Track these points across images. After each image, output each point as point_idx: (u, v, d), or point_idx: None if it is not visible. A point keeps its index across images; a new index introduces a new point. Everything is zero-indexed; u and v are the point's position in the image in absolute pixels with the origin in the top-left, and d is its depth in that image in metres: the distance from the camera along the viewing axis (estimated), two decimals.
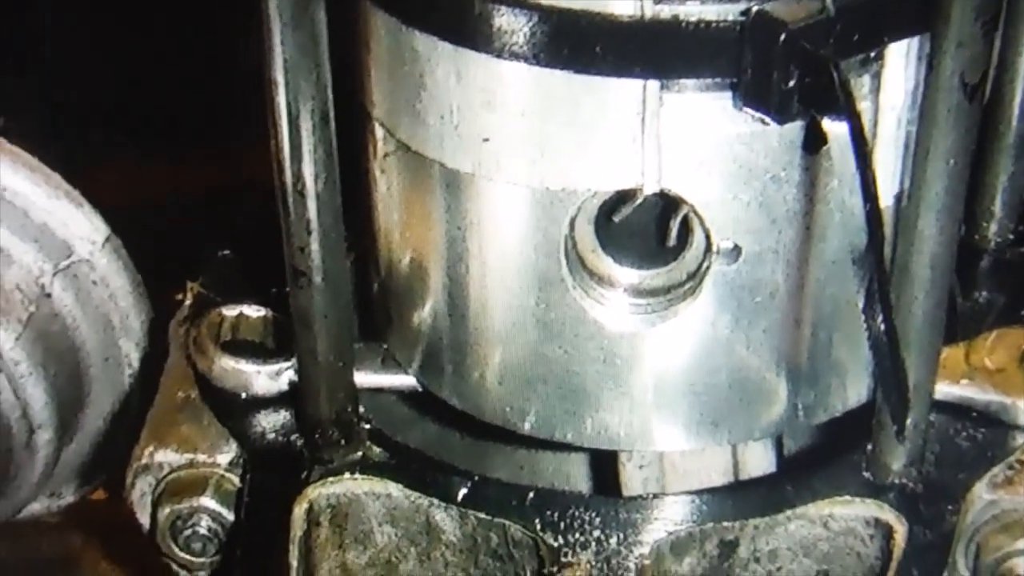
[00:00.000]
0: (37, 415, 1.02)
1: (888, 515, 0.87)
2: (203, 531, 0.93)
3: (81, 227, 1.02)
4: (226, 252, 1.01)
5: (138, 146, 1.55)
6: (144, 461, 0.93)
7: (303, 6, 0.76)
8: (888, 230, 0.80)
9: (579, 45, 0.75)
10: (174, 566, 0.96)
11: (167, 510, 0.93)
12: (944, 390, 0.90)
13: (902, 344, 0.80)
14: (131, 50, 1.58)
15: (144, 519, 0.95)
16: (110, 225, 1.03)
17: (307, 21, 0.77)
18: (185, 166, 1.54)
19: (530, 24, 0.75)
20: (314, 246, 0.83)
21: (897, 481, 0.88)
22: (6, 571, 1.09)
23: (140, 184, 1.46)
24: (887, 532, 0.87)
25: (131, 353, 1.08)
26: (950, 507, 0.88)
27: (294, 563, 0.88)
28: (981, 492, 0.89)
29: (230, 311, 0.98)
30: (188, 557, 0.94)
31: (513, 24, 0.75)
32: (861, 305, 0.83)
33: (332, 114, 0.80)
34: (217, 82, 1.42)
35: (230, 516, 0.93)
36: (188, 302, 0.99)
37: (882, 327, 0.78)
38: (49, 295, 1.01)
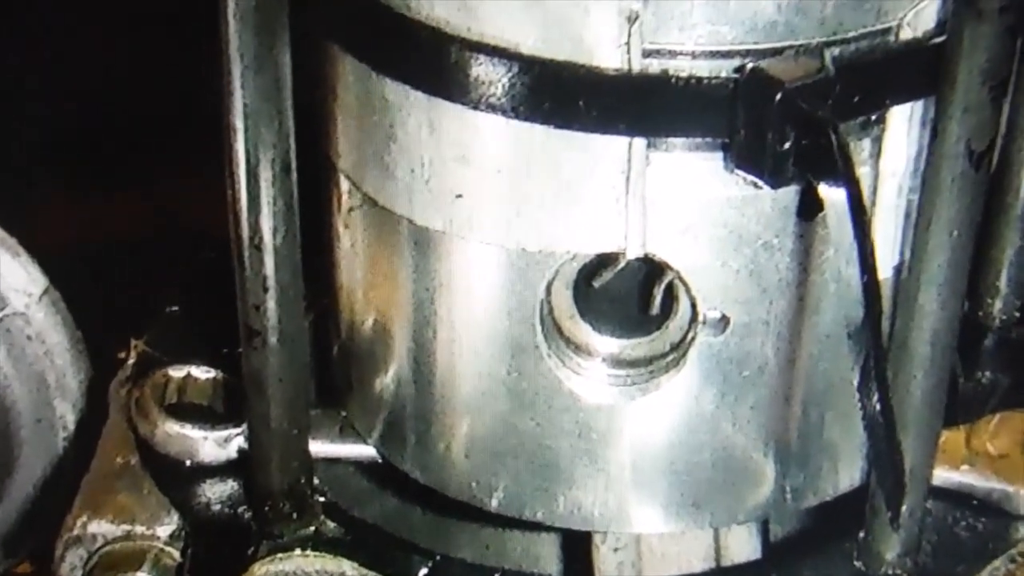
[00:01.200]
0: None
1: None
2: None
3: (17, 278, 1.01)
4: (174, 308, 1.01)
5: (80, 186, 1.55)
6: (76, 532, 0.92)
7: (266, 48, 0.76)
8: (886, 303, 0.80)
9: (561, 99, 0.75)
10: None
11: None
12: (943, 476, 0.90)
13: (899, 426, 0.80)
14: (72, 87, 1.59)
15: None
16: (48, 275, 1.02)
17: (270, 65, 0.77)
18: (130, 207, 1.54)
19: (509, 75, 0.75)
20: (270, 304, 0.82)
21: (891, 572, 0.87)
22: None
23: (80, 227, 1.46)
24: None
25: (67, 415, 1.07)
26: None
27: None
28: None
29: (176, 372, 0.97)
30: None
31: (491, 74, 0.75)
32: (856, 383, 0.82)
33: (294, 164, 0.80)
34: (164, 117, 1.43)
35: None
36: (131, 361, 0.98)
37: (878, 407, 0.78)
38: None
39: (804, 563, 0.89)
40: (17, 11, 1.56)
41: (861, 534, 0.87)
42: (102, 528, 0.92)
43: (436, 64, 0.76)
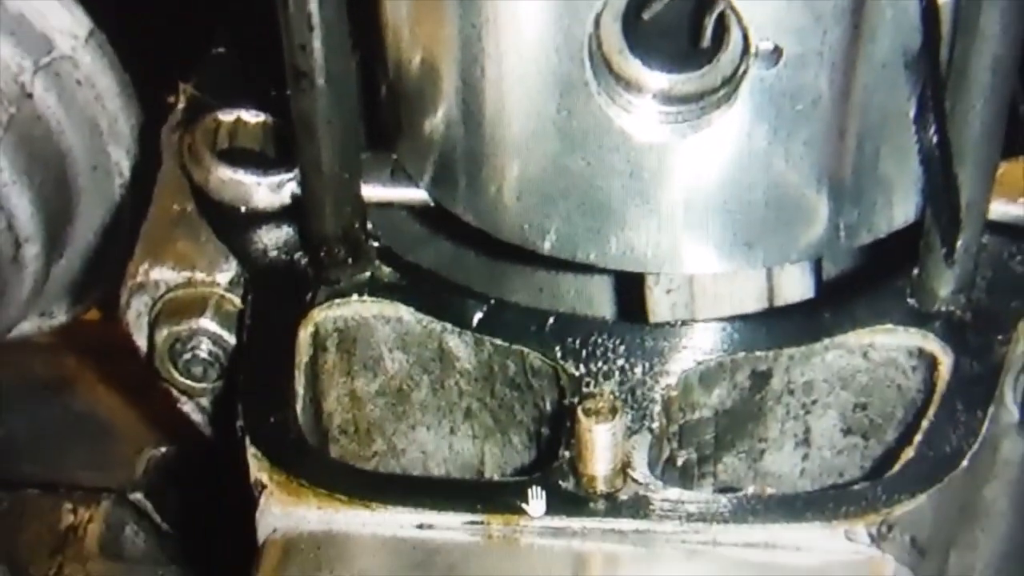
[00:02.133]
0: (23, 227, 1.02)
1: (933, 345, 0.87)
2: (203, 355, 0.94)
3: (61, 19, 0.99)
4: (221, 49, 0.99)
5: None
6: (139, 279, 0.93)
7: None
8: (945, 28, 0.78)
9: None
10: (174, 392, 0.96)
11: (165, 332, 0.93)
12: (1000, 209, 0.88)
13: (956, 157, 0.79)
14: None
15: (141, 341, 0.95)
16: (92, 17, 1.01)
17: None
18: None
19: None
20: (316, 43, 0.80)
21: (944, 309, 0.87)
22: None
23: None
24: (931, 363, 0.87)
25: (121, 161, 1.07)
26: (1000, 337, 0.88)
27: (300, 390, 0.88)
28: None
29: (226, 116, 0.96)
30: (188, 382, 0.95)
31: None
32: (912, 114, 0.81)
33: None
34: None
35: (231, 339, 0.94)
36: (181, 105, 0.97)
37: (935, 138, 0.77)
38: (30, 95, 0.99)
39: (857, 301, 0.88)
40: None
41: (915, 271, 0.86)
42: (164, 275, 0.93)
43: None
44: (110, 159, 1.06)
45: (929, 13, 0.74)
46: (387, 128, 0.93)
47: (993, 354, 0.87)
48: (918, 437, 0.85)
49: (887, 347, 0.88)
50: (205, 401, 0.97)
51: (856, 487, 0.84)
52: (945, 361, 0.87)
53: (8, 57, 0.97)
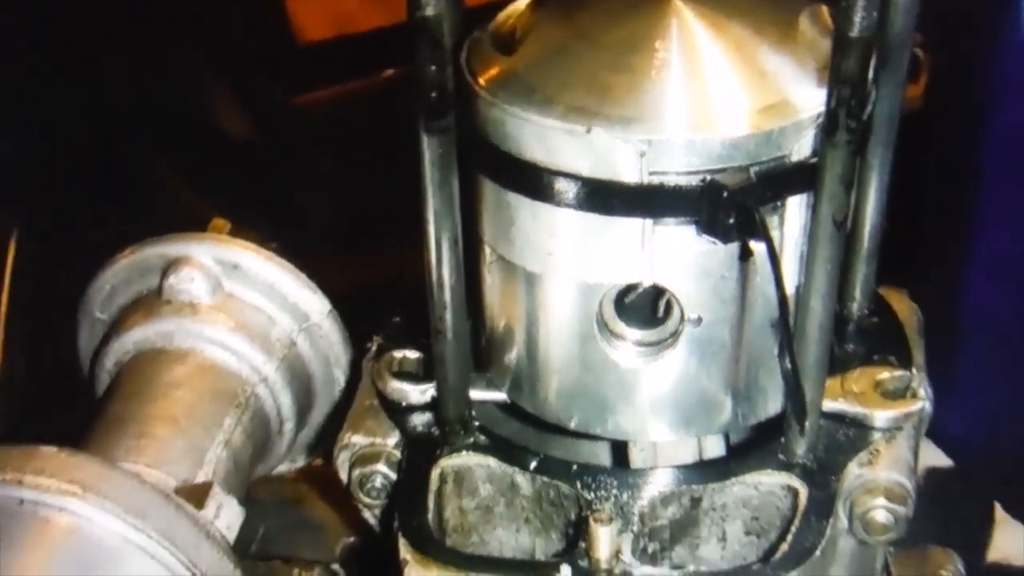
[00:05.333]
0: (285, 414, 1.06)
1: (795, 483, 0.88)
2: (378, 485, 0.95)
3: (315, 303, 1.06)
4: (397, 319, 1.03)
5: (341, 252, 1.56)
6: (344, 442, 0.96)
7: (445, 177, 0.81)
8: (792, 307, 0.83)
9: (604, 198, 0.79)
10: (360, 506, 0.98)
11: (357, 472, 0.95)
12: (828, 405, 0.91)
13: (801, 376, 0.82)
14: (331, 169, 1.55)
15: (344, 477, 0.97)
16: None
17: (447, 185, 0.81)
18: (371, 266, 1.53)
19: (576, 187, 0.79)
20: (447, 315, 0.86)
21: (800, 461, 0.88)
22: (262, 506, 1.12)
23: (342, 281, 1.41)
24: (795, 493, 0.89)
25: (340, 378, 1.10)
26: (833, 478, 0.89)
27: (430, 505, 0.91)
28: (853, 469, 0.89)
29: (398, 353, 1.00)
30: (369, 500, 0.97)
31: (566, 187, 0.80)
32: (775, 352, 0.86)
33: (460, 238, 0.84)
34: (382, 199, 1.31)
35: (394, 476, 0.95)
36: (374, 348, 1.01)
37: (789, 366, 0.81)
38: (295, 343, 1.05)
39: (751, 456, 0.90)
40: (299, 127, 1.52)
41: (782, 439, 0.89)
42: (358, 440, 0.95)
43: (535, 182, 0.81)
44: (334, 377, 1.09)
45: (782, 299, 0.79)
46: (485, 359, 0.97)
47: (831, 488, 0.88)
48: (789, 537, 0.86)
49: (769, 484, 0.89)
50: (377, 512, 0.97)
51: (754, 567, 0.85)
52: (803, 492, 0.88)
53: (285, 324, 1.04)
